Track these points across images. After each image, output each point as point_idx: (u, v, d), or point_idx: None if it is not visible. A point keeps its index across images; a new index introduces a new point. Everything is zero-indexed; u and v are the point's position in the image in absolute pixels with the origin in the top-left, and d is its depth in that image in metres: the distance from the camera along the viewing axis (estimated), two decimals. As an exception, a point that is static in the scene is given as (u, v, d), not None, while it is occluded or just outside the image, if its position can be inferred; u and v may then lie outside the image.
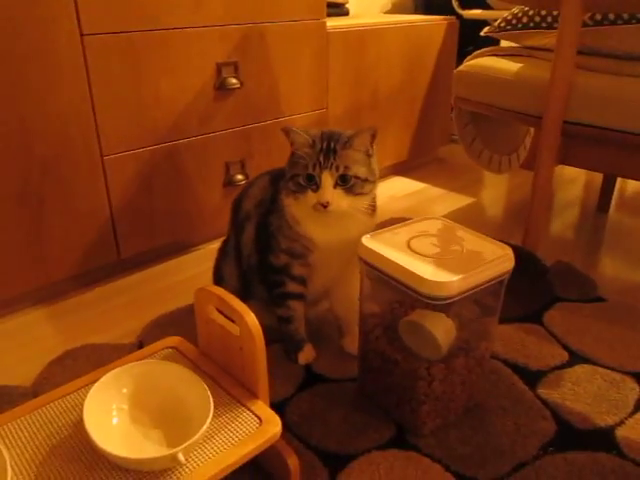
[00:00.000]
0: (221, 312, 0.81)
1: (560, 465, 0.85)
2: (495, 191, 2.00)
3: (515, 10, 1.47)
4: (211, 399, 0.71)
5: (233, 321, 0.78)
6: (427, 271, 0.79)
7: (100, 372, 0.80)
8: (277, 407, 0.95)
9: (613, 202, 1.85)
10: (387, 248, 0.85)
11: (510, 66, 1.43)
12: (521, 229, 1.43)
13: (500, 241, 0.88)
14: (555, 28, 1.28)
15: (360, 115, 1.85)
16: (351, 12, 2.15)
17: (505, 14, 1.51)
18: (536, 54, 1.45)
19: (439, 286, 0.77)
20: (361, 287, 0.93)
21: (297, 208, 0.96)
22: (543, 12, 1.38)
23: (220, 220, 1.51)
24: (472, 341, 0.91)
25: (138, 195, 1.35)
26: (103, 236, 1.32)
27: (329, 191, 0.89)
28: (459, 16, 2.15)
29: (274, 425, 0.74)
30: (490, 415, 0.94)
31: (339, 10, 2.05)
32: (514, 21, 1.44)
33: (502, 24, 1.49)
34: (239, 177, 1.52)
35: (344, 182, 0.90)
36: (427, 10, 2.44)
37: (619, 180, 1.96)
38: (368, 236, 0.89)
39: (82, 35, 1.15)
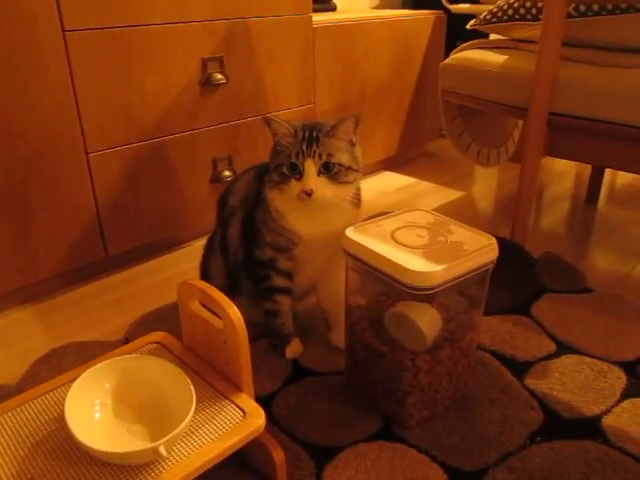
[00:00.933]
0: (205, 306, 0.80)
1: (547, 454, 0.85)
2: (484, 185, 2.00)
3: (500, 2, 1.47)
4: (194, 392, 0.71)
5: (217, 315, 0.78)
6: (410, 262, 0.79)
7: (84, 368, 0.79)
8: (264, 401, 0.94)
9: (602, 194, 1.85)
10: (371, 240, 0.85)
11: (496, 58, 1.43)
12: (510, 222, 1.43)
13: (489, 234, 0.88)
14: (540, 20, 1.28)
15: (348, 110, 1.84)
16: (338, 8, 2.14)
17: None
18: (522, 46, 1.45)
19: (422, 276, 0.77)
20: (346, 280, 0.92)
21: (281, 201, 0.95)
22: (528, 4, 1.38)
23: (208, 217, 1.50)
24: (458, 332, 0.91)
25: (124, 192, 1.34)
26: (90, 234, 1.31)
27: (313, 179, 0.89)
28: (447, 11, 2.15)
29: (258, 418, 0.73)
30: (477, 406, 0.94)
31: (326, 6, 2.04)
32: (499, 13, 1.44)
33: (488, 16, 1.48)
34: (226, 173, 1.52)
35: (327, 170, 0.90)
36: (415, 5, 2.44)
37: (608, 172, 1.97)
38: (352, 228, 0.89)
39: (64, 31, 1.14)
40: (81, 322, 1.21)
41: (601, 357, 1.06)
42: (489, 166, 1.87)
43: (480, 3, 2.06)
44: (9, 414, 0.75)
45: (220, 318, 0.76)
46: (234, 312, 0.74)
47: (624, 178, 2.03)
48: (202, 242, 1.19)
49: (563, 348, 1.08)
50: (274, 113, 1.59)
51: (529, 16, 1.38)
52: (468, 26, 1.58)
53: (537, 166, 1.34)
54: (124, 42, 1.24)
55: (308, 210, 0.94)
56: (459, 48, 1.60)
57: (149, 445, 0.64)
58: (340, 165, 0.91)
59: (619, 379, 1.00)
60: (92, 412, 0.73)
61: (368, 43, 1.83)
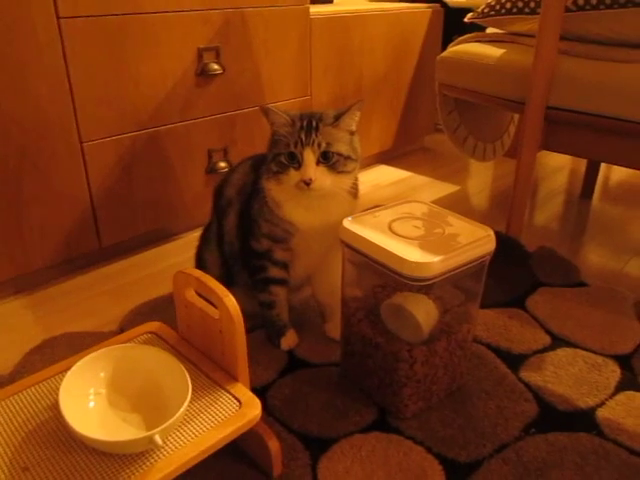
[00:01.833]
0: (200, 295, 0.80)
1: (541, 446, 0.85)
2: (480, 179, 2.00)
3: (498, -4, 1.46)
4: (189, 381, 0.70)
5: (213, 304, 0.77)
6: (408, 252, 0.78)
7: (78, 358, 0.79)
8: (259, 392, 0.94)
9: (596, 190, 1.86)
10: (368, 230, 0.85)
11: (493, 52, 1.43)
12: (505, 217, 1.43)
13: (486, 226, 0.88)
14: (538, 13, 1.28)
15: (344, 103, 1.83)
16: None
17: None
18: (519, 40, 1.45)
19: (420, 267, 0.77)
20: (343, 271, 0.92)
21: (278, 191, 0.95)
22: (526, -3, 1.38)
23: (203, 208, 1.49)
24: (454, 324, 0.91)
25: (119, 182, 1.33)
26: (84, 224, 1.30)
27: (311, 167, 0.88)
28: (444, 4, 2.14)
29: (254, 408, 0.73)
30: (472, 398, 0.94)
31: (323, -3, 2.03)
32: (497, 6, 1.44)
33: (485, 10, 1.48)
34: (222, 164, 1.51)
35: (326, 159, 0.89)
36: (412, -2, 2.43)
37: (603, 168, 1.97)
38: (349, 219, 0.88)
39: (59, 18, 1.13)
40: (74, 313, 1.20)
41: (595, 350, 1.06)
42: (485, 160, 1.87)
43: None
44: (2, 403, 0.74)
45: (216, 307, 0.76)
46: (230, 301, 0.73)
47: (619, 174, 2.04)
48: (197, 233, 1.18)
49: (558, 341, 1.09)
50: (270, 104, 1.58)
51: (527, 9, 1.38)
52: (466, 19, 1.58)
53: (533, 159, 1.34)
54: (119, 30, 1.22)
55: (306, 200, 0.93)
56: (456, 41, 1.60)
57: (144, 434, 0.63)
58: (339, 154, 0.90)
59: (613, 372, 1.00)
60: (87, 401, 0.72)
61: (365, 35, 1.83)
